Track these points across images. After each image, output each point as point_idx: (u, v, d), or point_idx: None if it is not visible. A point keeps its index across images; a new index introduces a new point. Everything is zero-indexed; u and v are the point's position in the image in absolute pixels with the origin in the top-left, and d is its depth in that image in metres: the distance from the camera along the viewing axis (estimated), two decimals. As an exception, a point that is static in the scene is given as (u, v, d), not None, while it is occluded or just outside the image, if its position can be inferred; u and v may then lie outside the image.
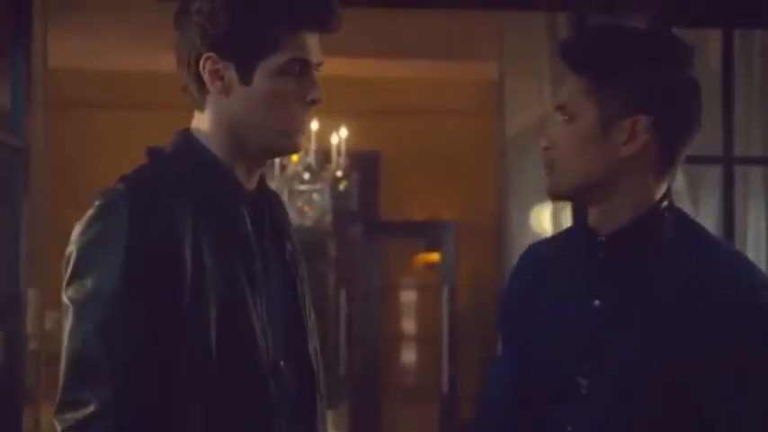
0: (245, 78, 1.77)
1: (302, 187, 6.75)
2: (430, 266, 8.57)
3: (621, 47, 1.85)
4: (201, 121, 1.80)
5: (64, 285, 1.73)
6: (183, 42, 1.80)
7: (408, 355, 8.86)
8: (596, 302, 1.82)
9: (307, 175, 6.67)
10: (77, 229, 1.73)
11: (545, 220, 5.51)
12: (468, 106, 7.73)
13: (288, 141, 1.80)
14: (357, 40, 6.16)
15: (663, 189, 1.87)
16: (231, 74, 1.77)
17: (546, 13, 4.40)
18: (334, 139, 6.88)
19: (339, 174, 6.85)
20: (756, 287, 1.77)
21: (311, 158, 6.72)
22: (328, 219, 6.90)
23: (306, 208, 6.76)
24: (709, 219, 4.52)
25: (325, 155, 6.94)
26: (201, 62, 1.77)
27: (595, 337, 1.81)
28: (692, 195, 4.65)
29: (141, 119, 7.79)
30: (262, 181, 1.85)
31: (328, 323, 9.16)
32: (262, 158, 1.83)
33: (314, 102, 1.80)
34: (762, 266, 4.53)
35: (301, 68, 1.77)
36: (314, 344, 1.86)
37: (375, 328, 8.77)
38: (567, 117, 1.86)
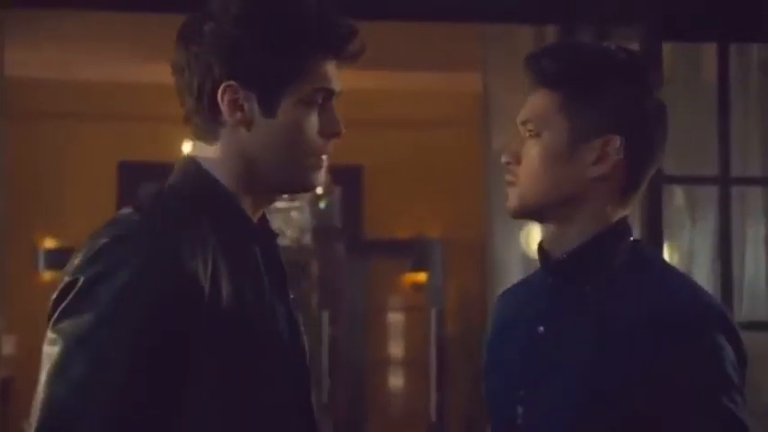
0: (269, 110, 1.72)
1: (280, 205, 6.72)
2: (417, 287, 8.54)
3: (598, 63, 1.85)
4: (207, 152, 1.75)
5: (56, 314, 1.60)
6: (193, 67, 1.73)
7: (395, 381, 8.81)
8: (540, 329, 1.84)
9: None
10: (85, 255, 1.62)
11: (533, 236, 5.48)
12: (452, 118, 7.71)
13: (309, 178, 1.76)
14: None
15: (621, 214, 1.87)
16: (253, 105, 1.72)
17: (533, 25, 4.39)
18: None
19: (319, 190, 6.82)
20: (705, 312, 1.76)
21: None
22: (307, 238, 6.86)
23: (284, 227, 6.73)
24: (707, 238, 4.51)
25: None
26: (220, 91, 1.71)
27: (534, 363, 1.82)
28: (691, 214, 4.64)
29: (105, 130, 7.78)
30: (263, 218, 1.81)
31: (310, 347, 9.12)
32: (273, 195, 1.80)
33: (336, 135, 1.77)
34: (760, 285, 4.52)
35: (324, 99, 1.75)
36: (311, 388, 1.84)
37: (360, 352, 8.72)
38: (532, 132, 1.85)
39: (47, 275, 8.46)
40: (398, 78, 7.48)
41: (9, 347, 7.81)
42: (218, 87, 1.72)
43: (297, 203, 6.69)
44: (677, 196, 4.63)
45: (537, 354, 1.84)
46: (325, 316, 9.02)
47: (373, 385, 8.74)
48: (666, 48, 3.99)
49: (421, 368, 8.28)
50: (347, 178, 8.24)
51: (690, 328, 1.74)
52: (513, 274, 5.01)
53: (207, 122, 1.74)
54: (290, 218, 6.72)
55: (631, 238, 1.88)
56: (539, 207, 1.86)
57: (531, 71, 1.89)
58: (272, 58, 1.71)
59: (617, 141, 1.83)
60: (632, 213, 1.96)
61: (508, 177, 1.89)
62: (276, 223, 7.08)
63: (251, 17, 1.72)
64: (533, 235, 5.46)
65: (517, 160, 1.88)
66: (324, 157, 1.78)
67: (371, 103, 7.97)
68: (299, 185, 1.79)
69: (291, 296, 1.81)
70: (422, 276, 8.46)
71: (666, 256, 4.38)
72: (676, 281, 1.83)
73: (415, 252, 8.33)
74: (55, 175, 8.37)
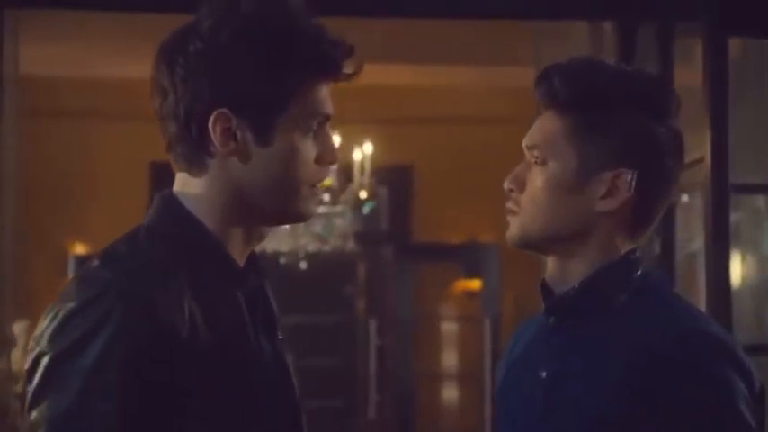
0: (264, 138, 1.68)
1: (321, 210, 6.75)
2: (470, 295, 8.54)
3: (613, 88, 1.83)
4: (192, 186, 1.70)
5: (29, 399, 1.58)
6: (180, 91, 1.68)
7: (447, 395, 8.83)
8: (543, 374, 1.83)
9: (326, 197, 6.66)
10: (50, 324, 1.59)
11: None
12: (506, 115, 7.69)
13: (304, 208, 1.72)
14: (384, 45, 6.16)
15: (629, 247, 1.86)
16: (246, 133, 1.68)
17: (587, 21, 4.38)
18: (357, 156, 6.87)
19: (363, 195, 6.83)
20: (710, 345, 1.74)
21: (332, 178, 6.70)
22: (350, 245, 6.88)
23: (325, 233, 6.75)
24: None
25: (346, 173, 6.93)
26: (212, 119, 1.67)
27: (537, 410, 1.82)
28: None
29: (137, 130, 7.82)
30: (253, 256, 1.78)
31: (356, 358, 9.17)
32: (265, 227, 1.77)
33: (333, 162, 1.75)
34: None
35: (319, 124, 1.73)
36: None
37: (409, 363, 8.73)
38: (538, 159, 1.85)
39: (77, 283, 8.56)
40: (449, 73, 7.48)
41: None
42: (209, 115, 1.67)
43: (339, 208, 6.70)
44: (756, 198, 4.59)
45: (540, 401, 1.83)
46: (372, 325, 9.04)
47: (423, 400, 8.75)
48: (736, 44, 3.96)
49: (475, 382, 8.28)
50: (395, 179, 8.26)
51: (695, 362, 1.73)
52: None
53: (194, 152, 1.69)
54: (331, 224, 6.74)
55: (639, 272, 1.86)
56: (541, 240, 1.85)
57: (542, 91, 1.87)
58: (267, 82, 1.68)
59: (628, 175, 1.82)
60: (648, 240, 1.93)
61: (509, 205, 1.87)
62: (317, 229, 7.12)
63: (243, 37, 1.68)
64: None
65: (520, 188, 1.86)
66: (320, 185, 1.77)
67: (421, 100, 7.99)
68: (293, 216, 1.76)
69: (280, 337, 1.79)
70: (475, 283, 8.45)
71: (738, 263, 4.36)
72: (681, 314, 1.81)
73: (467, 257, 8.33)
74: (85, 178, 8.48)
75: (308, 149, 1.71)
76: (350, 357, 9.21)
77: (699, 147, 3.81)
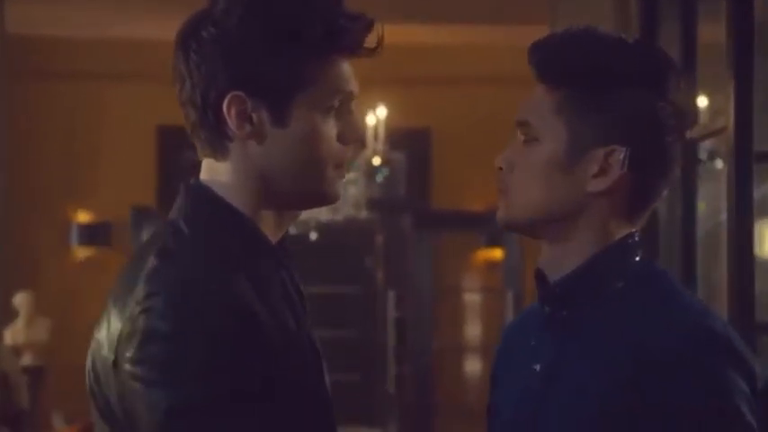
0: (281, 119, 1.70)
1: (338, 174, 6.72)
2: (492, 265, 8.50)
3: (609, 60, 1.79)
4: (218, 172, 1.73)
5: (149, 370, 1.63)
6: (195, 77, 1.70)
7: (468, 368, 8.81)
8: (537, 367, 1.80)
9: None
10: (144, 342, 1.63)
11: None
12: (526, 74, 7.64)
13: (330, 190, 1.73)
14: (397, 3, 6.12)
15: (626, 231, 1.82)
16: (263, 115, 1.70)
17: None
18: (371, 120, 6.81)
19: (377, 161, 6.78)
20: (709, 341, 1.71)
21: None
22: (364, 214, 6.84)
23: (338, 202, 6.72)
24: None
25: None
26: (226, 102, 1.69)
27: (532, 404, 1.80)
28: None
29: (143, 92, 7.78)
30: (283, 238, 1.79)
31: (374, 331, 9.16)
32: (295, 211, 1.78)
33: (357, 141, 1.74)
34: None
35: (341, 102, 1.72)
36: None
37: (429, 336, 8.72)
38: (528, 137, 1.81)
39: (81, 252, 8.58)
40: (466, 32, 7.44)
41: (42, 333, 7.92)
42: (224, 98, 1.69)
43: (351, 175, 6.65)
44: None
45: (534, 395, 1.80)
46: (391, 296, 9.03)
47: (443, 373, 8.75)
48: (760, 3, 3.87)
49: (496, 356, 8.25)
50: (413, 142, 8.21)
51: (695, 359, 1.70)
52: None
53: (214, 137, 1.72)
54: (344, 192, 6.70)
55: (637, 258, 1.82)
56: (531, 222, 1.81)
57: (533, 63, 1.82)
58: (281, 61, 1.68)
59: (621, 153, 1.77)
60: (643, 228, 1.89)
61: (499, 185, 1.83)
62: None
63: (255, 17, 1.69)
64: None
65: (510, 167, 1.81)
66: (344, 166, 1.75)
67: (437, 60, 7.94)
68: (319, 199, 1.75)
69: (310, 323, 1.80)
70: (497, 253, 8.42)
71: (765, 236, 4.30)
72: (682, 306, 1.77)
73: (489, 226, 8.26)
74: (89, 142, 8.46)
75: (329, 128, 1.70)
76: (367, 330, 9.22)
77: (725, 110, 3.75)
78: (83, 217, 8.57)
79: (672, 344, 1.71)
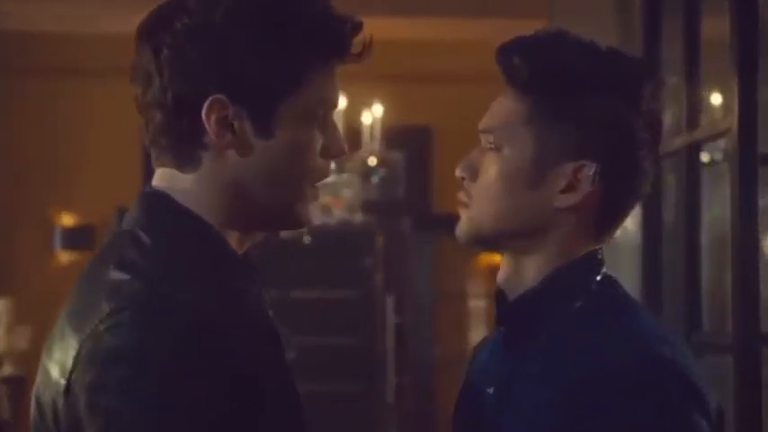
0: (265, 129, 1.60)
1: (328, 180, 6.63)
2: (495, 270, 8.41)
3: (580, 70, 1.74)
4: (180, 182, 1.62)
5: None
6: (166, 75, 1.60)
7: (470, 379, 8.75)
8: (490, 390, 1.77)
9: (331, 164, 6.55)
10: (95, 356, 1.50)
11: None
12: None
13: (306, 211, 1.65)
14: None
15: (592, 247, 1.79)
16: (244, 123, 1.60)
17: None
18: (367, 119, 6.74)
19: (373, 161, 6.72)
20: (661, 370, 1.66)
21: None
22: (358, 217, 6.77)
23: (333, 203, 6.64)
24: None
25: (354, 138, 6.81)
26: (206, 107, 1.58)
27: (484, 430, 1.77)
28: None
29: (129, 89, 7.72)
30: (246, 255, 1.71)
31: (373, 338, 9.09)
32: (258, 233, 1.68)
33: (339, 155, 1.68)
34: None
35: (324, 113, 1.65)
36: None
37: (429, 344, 8.67)
38: (493, 145, 1.76)
39: (64, 256, 8.52)
40: (466, 27, 7.41)
41: (21, 341, 7.84)
42: (203, 102, 1.58)
43: (345, 177, 6.59)
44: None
45: (487, 420, 1.76)
46: (390, 302, 8.96)
47: (444, 383, 8.67)
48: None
49: (499, 365, 8.21)
50: (412, 141, 8.17)
51: (633, 384, 1.65)
52: (612, 257, 4.85)
53: (184, 145, 1.60)
54: (338, 194, 6.63)
55: (598, 277, 1.78)
56: (493, 236, 1.78)
57: (501, 68, 1.78)
58: (269, 64, 1.59)
59: (591, 168, 1.73)
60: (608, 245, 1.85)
61: (460, 196, 1.80)
62: (324, 198, 7.03)
63: (241, 13, 1.59)
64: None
65: (473, 176, 1.78)
66: (322, 182, 1.68)
67: (437, 55, 7.89)
68: (294, 220, 1.66)
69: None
70: (500, 258, 8.35)
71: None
72: (640, 331, 1.72)
73: (492, 229, 8.24)
74: (73, 141, 8.40)
75: (314, 141, 1.63)
76: (366, 337, 9.14)
77: (730, 111, 3.67)
78: (66, 219, 8.51)
79: (615, 370, 1.65)
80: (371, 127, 6.72)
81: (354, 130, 6.78)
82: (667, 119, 4.36)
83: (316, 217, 1.68)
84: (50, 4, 7.38)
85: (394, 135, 7.25)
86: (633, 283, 4.47)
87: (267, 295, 1.73)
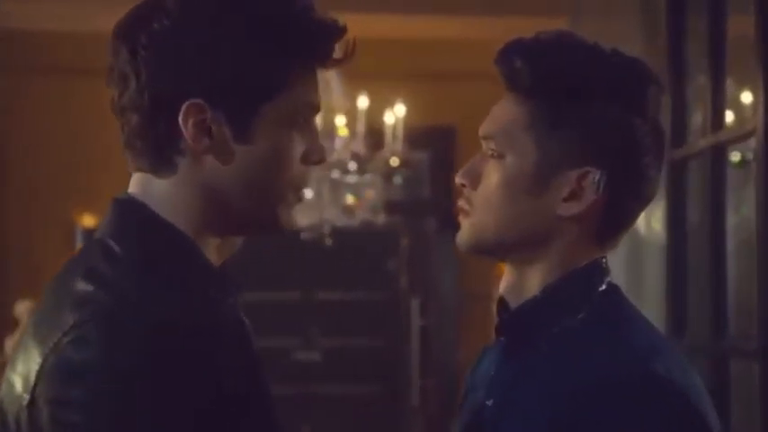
0: (244, 134, 1.58)
1: (350, 179, 6.63)
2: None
3: (583, 75, 1.72)
4: (155, 188, 1.60)
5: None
6: (143, 77, 1.57)
7: (496, 382, 8.72)
8: (489, 402, 1.75)
9: (353, 165, 6.54)
10: (56, 368, 1.48)
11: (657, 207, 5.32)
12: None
13: (287, 217, 1.64)
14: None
15: (596, 256, 1.76)
16: (223, 128, 1.58)
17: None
18: (389, 119, 6.74)
19: (395, 162, 6.71)
20: (660, 387, 1.65)
21: (359, 143, 6.58)
22: (381, 218, 6.77)
23: (355, 205, 6.64)
24: None
25: (376, 138, 6.81)
26: (183, 111, 1.56)
27: None
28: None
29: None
30: (223, 266, 1.69)
31: (397, 340, 9.08)
32: (238, 239, 1.68)
33: (319, 162, 1.66)
34: None
35: (306, 118, 1.64)
36: None
37: (455, 347, 8.65)
38: (494, 152, 1.74)
39: (86, 258, 8.50)
40: (492, 24, 7.35)
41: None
42: (180, 105, 1.57)
43: (368, 177, 6.58)
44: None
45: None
46: (415, 304, 8.95)
47: (470, 386, 8.67)
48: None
49: (525, 368, 8.18)
50: (437, 140, 8.15)
51: (618, 399, 1.64)
52: (636, 259, 4.84)
53: (160, 149, 1.59)
54: (361, 195, 6.63)
55: (603, 287, 1.76)
56: (495, 246, 1.75)
57: (501, 71, 1.76)
58: (247, 68, 1.58)
59: (596, 176, 1.71)
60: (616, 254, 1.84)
61: (460, 204, 1.77)
62: (347, 200, 7.01)
63: (221, 14, 1.58)
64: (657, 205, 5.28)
65: (474, 184, 1.75)
66: (304, 189, 1.67)
67: (461, 53, 7.84)
68: (274, 226, 1.65)
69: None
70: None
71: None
72: (629, 344, 1.70)
73: (518, 229, 8.21)
74: (93, 141, 8.40)
75: (294, 147, 1.61)
76: (390, 339, 9.14)
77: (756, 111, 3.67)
78: (87, 220, 8.52)
79: (612, 385, 1.65)
80: (394, 127, 6.70)
81: (376, 131, 6.78)
82: (695, 119, 4.36)
83: (297, 221, 1.66)
84: (69, 4, 7.41)
85: (417, 135, 7.24)
86: (657, 285, 4.47)
87: (242, 305, 1.69)
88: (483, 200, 1.74)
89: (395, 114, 6.74)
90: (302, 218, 6.73)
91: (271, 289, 8.69)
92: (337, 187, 6.61)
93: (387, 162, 6.71)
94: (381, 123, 6.77)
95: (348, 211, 6.70)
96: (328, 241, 6.88)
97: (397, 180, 6.94)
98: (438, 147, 8.21)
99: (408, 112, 6.83)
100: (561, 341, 1.71)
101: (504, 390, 1.74)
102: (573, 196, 1.72)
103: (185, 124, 1.57)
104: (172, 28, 1.57)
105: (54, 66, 8.18)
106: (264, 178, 1.60)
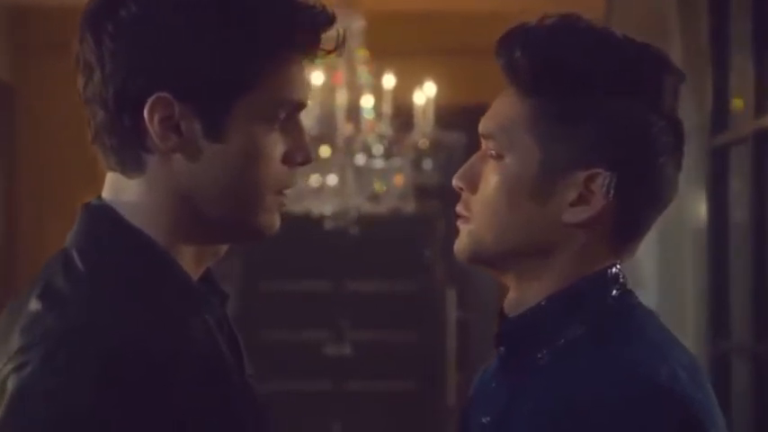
0: (216, 132, 1.55)
1: (378, 164, 6.58)
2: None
3: (591, 66, 1.65)
4: (127, 190, 1.58)
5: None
6: (108, 68, 1.55)
7: (536, 378, 8.68)
8: (485, 419, 1.70)
9: (379, 149, 6.49)
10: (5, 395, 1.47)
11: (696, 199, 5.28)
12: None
13: (266, 222, 1.61)
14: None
15: (606, 264, 1.69)
16: (193, 124, 1.55)
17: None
18: (419, 99, 6.69)
19: (424, 144, 6.66)
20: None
21: (386, 125, 6.53)
22: (410, 206, 6.72)
23: (382, 191, 6.60)
24: None
25: (405, 119, 6.76)
26: (148, 106, 1.54)
27: None
28: None
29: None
30: (208, 273, 1.67)
31: (433, 334, 9.06)
32: (218, 245, 1.64)
33: (303, 163, 1.62)
34: None
35: (288, 114, 1.60)
36: None
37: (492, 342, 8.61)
38: (494, 152, 1.69)
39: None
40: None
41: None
42: (145, 99, 1.54)
43: (396, 162, 6.54)
44: None
45: None
46: (451, 295, 8.93)
47: (509, 383, 8.63)
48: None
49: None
50: (470, 122, 8.06)
51: (613, 409, 1.58)
52: (672, 257, 4.80)
53: (125, 146, 1.56)
54: (390, 181, 6.58)
55: (614, 293, 1.69)
56: (494, 255, 1.69)
57: (500, 62, 1.70)
58: (221, 59, 1.54)
59: (605, 177, 1.64)
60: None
61: (459, 209, 1.71)
62: (374, 186, 6.98)
63: (192, 2, 1.55)
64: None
65: (472, 187, 1.69)
66: (286, 191, 1.62)
67: (494, 28, 7.78)
68: (252, 232, 1.62)
69: (248, 372, 1.66)
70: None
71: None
72: (634, 353, 1.64)
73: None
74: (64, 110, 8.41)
75: (274, 146, 1.59)
76: (425, 333, 9.12)
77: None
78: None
79: (613, 400, 1.60)
80: (424, 108, 6.65)
81: (405, 112, 6.72)
82: (737, 102, 4.29)
83: (277, 225, 1.63)
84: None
85: (450, 115, 7.17)
86: (697, 286, 4.41)
87: (225, 319, 1.67)
88: (482, 205, 1.68)
89: (425, 94, 6.68)
90: (326, 205, 6.70)
91: (297, 279, 8.71)
92: (363, 173, 6.55)
93: (416, 145, 6.65)
94: (410, 104, 6.72)
95: (372, 198, 6.64)
96: (354, 230, 6.84)
97: (427, 164, 6.88)
98: (472, 127, 8.09)
99: (439, 90, 6.77)
100: (562, 355, 1.66)
101: (500, 408, 1.69)
102: (580, 200, 1.65)
103: (151, 120, 1.54)
104: (139, 16, 1.54)
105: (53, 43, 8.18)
106: (239, 179, 1.57)
